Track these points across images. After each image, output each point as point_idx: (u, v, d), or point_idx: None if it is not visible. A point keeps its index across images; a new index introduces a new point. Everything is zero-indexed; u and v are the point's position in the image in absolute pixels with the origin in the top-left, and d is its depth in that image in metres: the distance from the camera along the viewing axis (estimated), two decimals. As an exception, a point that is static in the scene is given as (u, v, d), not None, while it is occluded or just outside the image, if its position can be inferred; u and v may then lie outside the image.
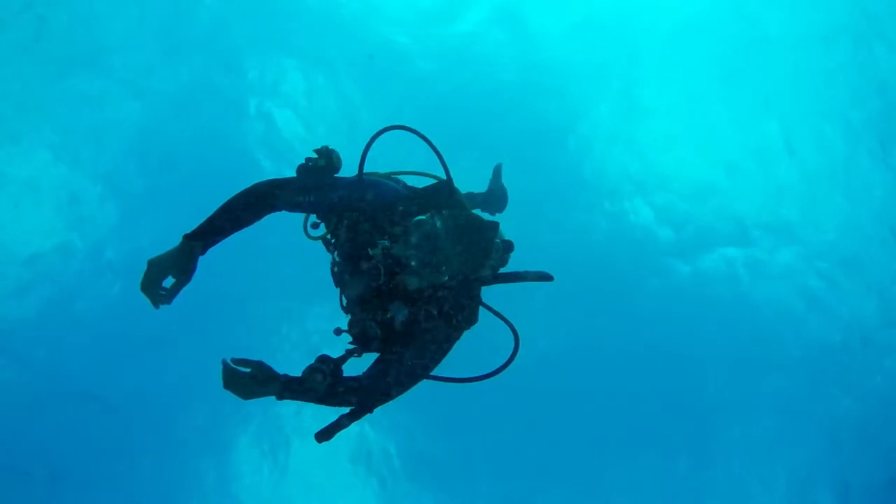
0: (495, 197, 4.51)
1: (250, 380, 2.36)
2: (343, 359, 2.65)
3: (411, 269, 2.55)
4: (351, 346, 2.73)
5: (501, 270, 3.11)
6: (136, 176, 11.62)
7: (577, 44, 12.06)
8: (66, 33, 11.05)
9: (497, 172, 4.64)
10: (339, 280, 2.83)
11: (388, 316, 2.64)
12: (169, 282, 2.37)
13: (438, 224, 2.54)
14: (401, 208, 2.70)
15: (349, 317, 2.78)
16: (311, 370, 2.47)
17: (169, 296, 2.36)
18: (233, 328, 11.74)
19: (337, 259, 2.83)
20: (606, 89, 12.20)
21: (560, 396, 12.10)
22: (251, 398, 2.40)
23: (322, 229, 2.85)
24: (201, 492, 12.03)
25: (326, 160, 2.82)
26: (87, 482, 11.40)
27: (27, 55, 10.94)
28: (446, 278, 2.59)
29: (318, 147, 2.85)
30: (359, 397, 2.58)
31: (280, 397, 2.44)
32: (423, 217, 2.62)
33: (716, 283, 12.19)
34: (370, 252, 2.63)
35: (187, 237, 2.41)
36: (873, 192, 11.41)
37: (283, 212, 2.78)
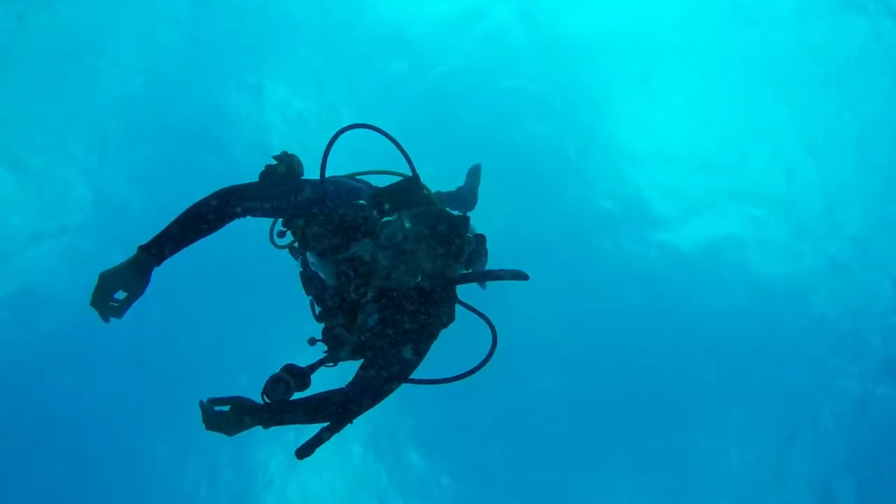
0: (462, 194, 4.43)
1: (230, 417, 2.34)
2: (313, 367, 2.61)
3: (381, 271, 2.49)
4: (325, 355, 2.70)
5: (480, 263, 3.05)
6: (152, 156, 11.68)
7: (586, 23, 11.82)
8: (79, 22, 11.14)
9: (474, 172, 4.53)
10: (309, 288, 2.78)
11: (360, 321, 2.59)
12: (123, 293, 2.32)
13: (406, 224, 2.48)
14: (367, 209, 2.63)
15: (322, 325, 2.74)
16: (273, 381, 2.44)
17: (120, 309, 2.30)
18: (247, 322, 11.84)
19: (305, 267, 2.77)
20: (616, 70, 11.92)
21: (564, 380, 12.03)
22: (236, 433, 2.39)
23: (289, 237, 2.79)
24: (214, 481, 12.20)
25: (287, 166, 2.74)
26: (101, 468, 11.62)
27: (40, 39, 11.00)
28: (419, 279, 2.53)
29: (278, 153, 2.77)
30: (345, 408, 2.56)
31: (266, 426, 2.43)
32: (391, 218, 2.54)
33: (721, 265, 11.95)
34: (339, 257, 2.57)
35: (143, 249, 2.34)
36: (887, 174, 11.08)
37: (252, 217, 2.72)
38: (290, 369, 2.50)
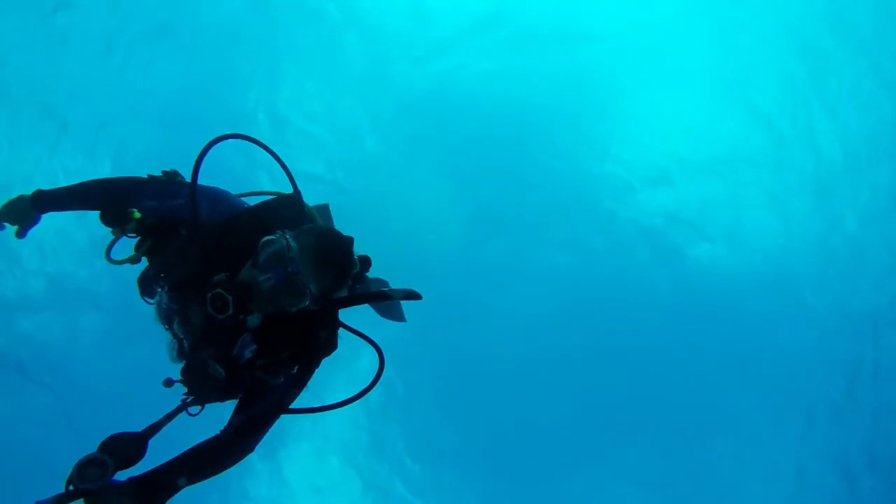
0: None
1: None
2: (160, 425, 2.31)
3: (264, 295, 2.27)
4: (184, 399, 2.41)
5: (364, 286, 2.92)
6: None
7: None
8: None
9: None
10: (170, 321, 2.48)
11: (235, 353, 2.35)
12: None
13: (291, 242, 2.29)
14: (245, 226, 2.42)
15: (182, 363, 2.46)
16: (82, 465, 2.01)
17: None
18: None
19: (167, 293, 2.48)
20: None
21: (564, 383, 11.84)
22: None
23: (129, 252, 2.57)
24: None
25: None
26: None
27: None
28: (307, 302, 2.33)
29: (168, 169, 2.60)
30: (232, 456, 2.33)
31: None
32: (272, 236, 2.34)
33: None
34: (213, 279, 2.31)
35: (37, 197, 2.64)
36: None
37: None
38: (111, 445, 2.09)
